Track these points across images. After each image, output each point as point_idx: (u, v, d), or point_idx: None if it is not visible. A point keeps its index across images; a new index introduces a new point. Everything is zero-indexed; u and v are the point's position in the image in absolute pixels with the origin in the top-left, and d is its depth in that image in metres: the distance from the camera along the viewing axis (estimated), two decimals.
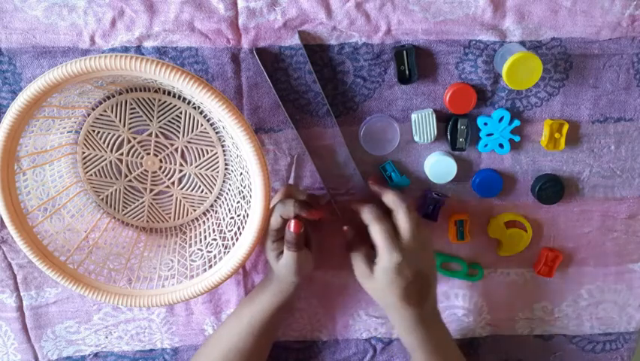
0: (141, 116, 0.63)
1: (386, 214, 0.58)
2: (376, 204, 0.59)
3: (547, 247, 0.70)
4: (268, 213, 0.55)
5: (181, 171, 0.66)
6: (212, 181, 0.66)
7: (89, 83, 0.54)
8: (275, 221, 0.58)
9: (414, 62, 0.60)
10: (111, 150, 0.64)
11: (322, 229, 0.66)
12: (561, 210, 0.68)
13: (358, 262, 0.60)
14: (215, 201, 0.67)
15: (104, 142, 0.64)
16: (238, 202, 0.61)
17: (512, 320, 0.75)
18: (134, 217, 0.68)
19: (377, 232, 0.57)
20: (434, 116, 0.62)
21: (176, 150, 0.65)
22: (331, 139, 0.65)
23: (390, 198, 0.59)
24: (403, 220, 0.57)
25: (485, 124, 0.63)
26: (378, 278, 0.58)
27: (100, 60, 0.48)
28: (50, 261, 0.58)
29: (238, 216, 0.61)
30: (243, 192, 0.60)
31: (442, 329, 0.64)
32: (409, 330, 0.61)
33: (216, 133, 0.63)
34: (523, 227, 0.68)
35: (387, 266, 0.57)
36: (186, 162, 0.65)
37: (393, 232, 0.57)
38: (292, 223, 0.57)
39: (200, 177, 0.66)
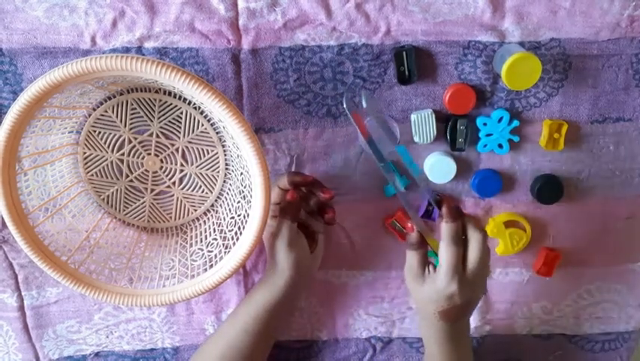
0: (142, 117, 0.63)
1: (461, 237, 0.57)
2: (458, 222, 0.57)
3: (546, 247, 0.70)
4: (268, 213, 0.55)
5: (182, 171, 0.66)
6: (212, 181, 0.66)
7: (90, 84, 0.54)
8: (274, 194, 0.60)
9: (413, 63, 0.61)
10: (112, 150, 0.65)
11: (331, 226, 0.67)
12: (561, 210, 0.68)
13: (413, 263, 0.59)
14: (215, 201, 0.67)
15: (105, 142, 0.64)
16: (238, 202, 0.62)
17: (512, 319, 0.75)
18: (135, 217, 0.68)
19: (446, 255, 0.56)
20: (434, 116, 0.63)
21: (177, 150, 0.65)
22: (330, 139, 0.65)
23: (469, 224, 0.58)
24: (474, 250, 0.57)
25: (484, 124, 0.63)
26: (426, 289, 0.58)
27: (101, 61, 0.48)
28: (51, 261, 0.58)
29: (239, 216, 0.61)
30: (243, 192, 0.60)
31: (467, 344, 0.63)
32: (436, 341, 0.61)
33: (217, 133, 0.64)
34: (522, 227, 0.68)
35: (441, 289, 0.56)
36: (187, 162, 0.65)
37: (460, 259, 0.56)
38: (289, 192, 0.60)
39: (200, 177, 0.66)
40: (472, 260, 0.56)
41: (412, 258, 0.59)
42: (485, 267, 0.58)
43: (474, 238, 0.57)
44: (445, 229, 0.57)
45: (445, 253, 0.56)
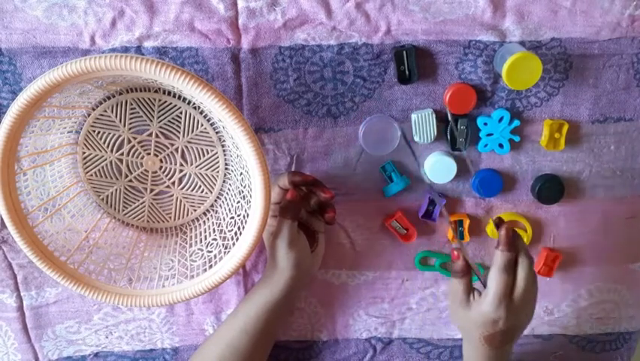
0: (141, 117, 0.63)
1: (513, 266, 0.57)
2: (513, 252, 0.57)
3: (547, 247, 0.70)
4: (268, 213, 0.55)
5: (181, 171, 0.66)
6: (212, 181, 0.66)
7: (89, 84, 0.54)
8: (274, 194, 0.61)
9: (414, 62, 0.61)
10: (111, 150, 0.64)
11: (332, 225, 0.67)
12: (561, 210, 0.68)
13: (459, 291, 0.59)
14: (215, 201, 0.67)
15: (104, 142, 0.64)
16: (238, 202, 0.62)
17: None
18: (135, 217, 0.68)
19: (495, 282, 0.56)
20: (434, 116, 0.62)
21: (177, 150, 0.65)
22: (330, 139, 0.65)
23: (520, 251, 0.57)
24: (522, 277, 0.56)
25: (485, 124, 0.63)
26: (471, 315, 0.58)
27: (100, 60, 0.48)
28: (51, 261, 0.58)
29: (238, 216, 0.61)
30: (243, 192, 0.60)
31: None
32: None
33: (216, 133, 0.64)
34: (523, 227, 0.68)
35: (487, 314, 0.56)
36: (186, 162, 0.65)
37: (509, 287, 0.56)
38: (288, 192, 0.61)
39: (200, 177, 0.66)
40: (520, 287, 0.56)
41: (457, 285, 0.59)
42: (532, 293, 0.58)
43: (523, 265, 0.57)
44: (499, 256, 0.56)
45: (495, 280, 0.56)
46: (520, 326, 0.59)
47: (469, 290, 0.59)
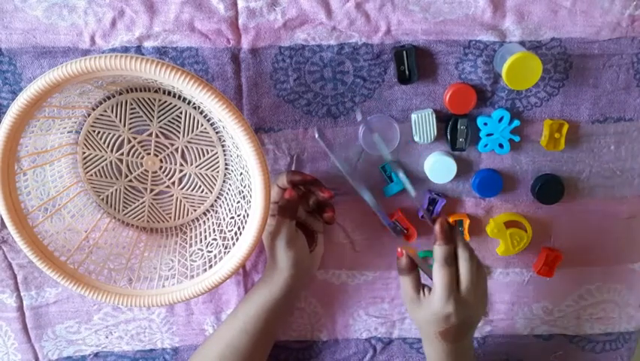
0: (141, 117, 0.63)
1: (454, 258, 0.58)
2: (450, 245, 0.57)
3: (547, 247, 0.70)
4: (268, 213, 0.55)
5: (181, 171, 0.66)
6: (212, 181, 0.66)
7: (89, 84, 0.54)
8: (273, 193, 0.60)
9: (414, 62, 0.60)
10: (111, 150, 0.64)
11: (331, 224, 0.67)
12: (561, 210, 0.68)
13: (407, 288, 0.60)
14: (215, 201, 0.67)
15: (104, 142, 0.64)
16: (238, 202, 0.62)
17: (512, 319, 0.75)
18: (135, 217, 0.68)
19: (439, 276, 0.57)
20: (434, 116, 0.62)
21: (177, 150, 0.65)
22: (330, 139, 0.65)
23: (458, 244, 0.58)
24: (465, 269, 0.57)
25: (485, 124, 0.63)
26: (423, 311, 0.58)
27: (100, 60, 0.48)
28: (50, 261, 0.58)
29: (238, 216, 0.61)
30: (243, 192, 0.60)
31: None
32: (439, 360, 0.61)
33: (216, 133, 0.64)
34: (523, 227, 0.68)
35: (437, 311, 0.57)
36: (186, 162, 0.65)
37: (454, 280, 0.57)
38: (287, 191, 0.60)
39: (200, 177, 0.66)
40: (465, 279, 0.57)
41: (405, 283, 0.60)
42: (478, 284, 0.58)
43: (463, 256, 0.57)
44: (436, 251, 0.57)
45: (437, 275, 0.57)
46: (474, 318, 0.60)
47: (418, 287, 0.59)
